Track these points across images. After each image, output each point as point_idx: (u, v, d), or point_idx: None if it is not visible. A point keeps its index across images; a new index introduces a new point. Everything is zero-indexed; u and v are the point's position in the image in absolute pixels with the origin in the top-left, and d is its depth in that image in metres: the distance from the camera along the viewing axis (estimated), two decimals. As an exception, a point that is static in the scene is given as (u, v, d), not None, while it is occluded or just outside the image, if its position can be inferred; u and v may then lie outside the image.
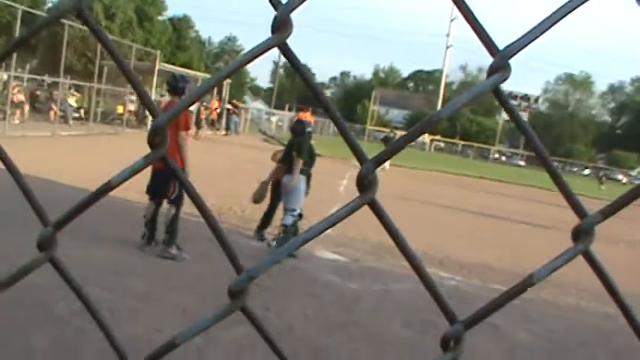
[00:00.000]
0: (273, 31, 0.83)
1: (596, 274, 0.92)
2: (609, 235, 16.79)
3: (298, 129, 12.77)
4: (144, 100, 0.91)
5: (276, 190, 12.82)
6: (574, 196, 0.88)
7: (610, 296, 0.93)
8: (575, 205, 0.88)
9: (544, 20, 0.83)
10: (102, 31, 0.90)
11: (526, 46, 0.84)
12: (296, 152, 12.20)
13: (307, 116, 35.31)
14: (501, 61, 0.84)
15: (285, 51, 0.85)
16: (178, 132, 10.44)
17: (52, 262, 0.91)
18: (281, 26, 0.83)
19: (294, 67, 0.87)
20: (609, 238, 17.67)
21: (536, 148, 0.90)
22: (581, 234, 0.88)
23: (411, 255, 0.91)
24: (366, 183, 0.85)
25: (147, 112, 35.57)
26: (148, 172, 10.54)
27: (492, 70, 0.84)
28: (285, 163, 12.35)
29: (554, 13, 0.83)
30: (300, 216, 12.38)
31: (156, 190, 10.75)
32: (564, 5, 0.82)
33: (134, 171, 0.85)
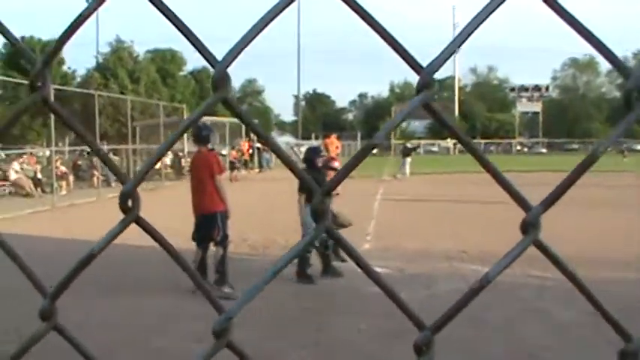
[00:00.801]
0: (214, 89, 0.84)
1: (551, 262, 0.92)
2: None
3: (306, 158, 12.57)
4: (111, 168, 0.93)
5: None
6: (517, 191, 0.89)
7: (568, 279, 0.93)
8: (518, 199, 0.89)
9: (460, 34, 0.84)
10: (64, 113, 0.92)
11: (447, 60, 0.85)
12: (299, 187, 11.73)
13: (333, 141, 35.29)
14: (427, 78, 0.85)
15: (228, 105, 0.86)
16: (214, 177, 10.60)
17: (56, 330, 0.93)
18: (220, 84, 0.84)
19: (238, 117, 0.88)
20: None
21: (472, 150, 0.91)
22: (528, 227, 0.89)
23: (369, 269, 0.93)
24: (319, 212, 0.86)
25: (182, 163, 35.90)
26: (191, 217, 10.66)
27: (420, 88, 0.86)
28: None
29: (467, 25, 0.84)
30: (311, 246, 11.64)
31: (201, 236, 10.83)
32: (475, 17, 0.84)
33: (113, 236, 0.88)
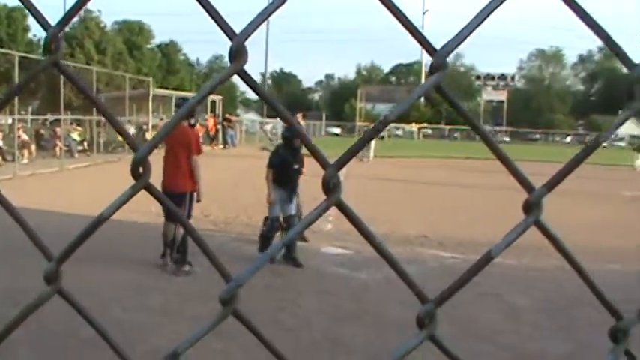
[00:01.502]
0: (230, 60, 0.86)
1: (550, 242, 0.95)
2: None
3: (286, 137, 12.08)
4: (123, 136, 0.94)
5: None
6: (521, 173, 0.92)
7: (566, 260, 0.96)
8: (522, 181, 0.92)
9: (473, 19, 0.86)
10: (78, 78, 0.93)
11: (460, 44, 0.87)
12: (268, 160, 11.81)
13: (303, 121, 35.09)
14: (439, 60, 0.87)
15: (244, 77, 0.87)
16: (191, 156, 10.43)
17: (60, 294, 0.94)
18: (237, 55, 0.85)
19: (254, 90, 0.90)
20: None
21: (482, 134, 0.93)
22: (532, 207, 0.91)
23: (381, 246, 0.95)
24: (331, 186, 0.88)
25: (146, 136, 35.65)
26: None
27: (433, 70, 0.88)
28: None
29: (481, 11, 0.86)
30: (276, 224, 11.84)
31: (166, 213, 10.71)
32: (489, 4, 0.86)
33: (123, 202, 0.89)
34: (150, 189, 0.88)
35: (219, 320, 0.91)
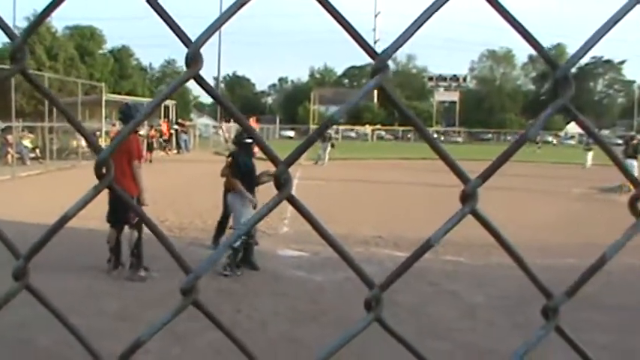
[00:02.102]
0: (187, 66, 0.90)
1: (487, 230, 1.02)
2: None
3: (240, 141, 11.85)
4: (85, 138, 0.98)
5: (226, 199, 12.40)
6: (457, 165, 0.98)
7: (502, 248, 1.03)
8: (458, 172, 0.98)
9: (413, 23, 0.92)
10: (42, 85, 0.97)
11: (400, 46, 0.93)
12: (230, 170, 11.60)
13: (256, 125, 35.03)
14: (380, 64, 0.93)
15: (200, 82, 0.92)
16: (132, 161, 10.41)
17: (28, 289, 0.98)
18: (193, 62, 0.90)
19: (210, 94, 0.94)
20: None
21: (421, 131, 1.00)
22: (467, 197, 0.98)
23: (330, 238, 1.00)
24: (282, 182, 0.93)
25: (99, 142, 35.35)
26: (106, 200, 10.50)
27: (374, 72, 0.93)
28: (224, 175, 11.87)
29: (420, 16, 0.92)
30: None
31: (116, 217, 10.69)
32: (428, 9, 0.92)
33: (86, 201, 0.93)
34: (113, 187, 0.93)
35: (180, 310, 0.96)
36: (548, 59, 0.98)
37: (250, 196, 11.33)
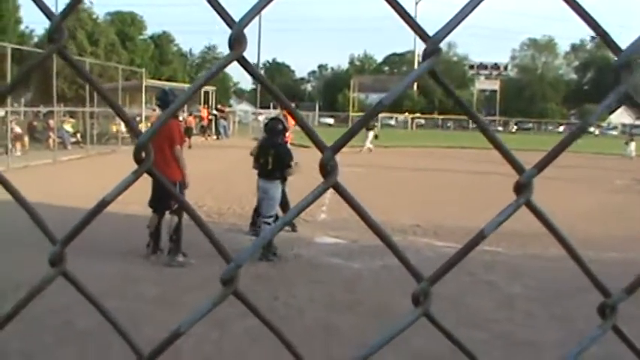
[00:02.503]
0: (230, 48, 0.87)
1: (541, 223, 0.98)
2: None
3: (274, 129, 11.81)
4: (125, 123, 0.96)
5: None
6: (512, 155, 0.94)
7: (557, 241, 0.99)
8: (513, 162, 0.94)
9: (465, 6, 0.88)
10: (81, 66, 0.95)
11: (452, 30, 0.89)
12: (272, 159, 11.47)
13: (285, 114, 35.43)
14: (433, 46, 0.89)
15: (244, 64, 0.89)
16: (174, 146, 10.45)
17: (64, 276, 0.96)
18: (236, 43, 0.87)
19: (253, 76, 0.92)
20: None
21: (475, 119, 0.96)
22: (522, 188, 0.94)
23: (377, 228, 0.97)
24: (328, 169, 0.90)
25: (142, 129, 35.63)
26: (149, 186, 10.55)
27: (426, 55, 0.90)
28: (258, 164, 11.73)
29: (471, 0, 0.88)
30: (277, 219, 11.46)
31: (158, 202, 10.74)
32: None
33: (125, 186, 0.91)
34: (152, 172, 0.91)
35: (221, 300, 0.94)
36: (612, 43, 0.93)
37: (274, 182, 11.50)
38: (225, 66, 0.90)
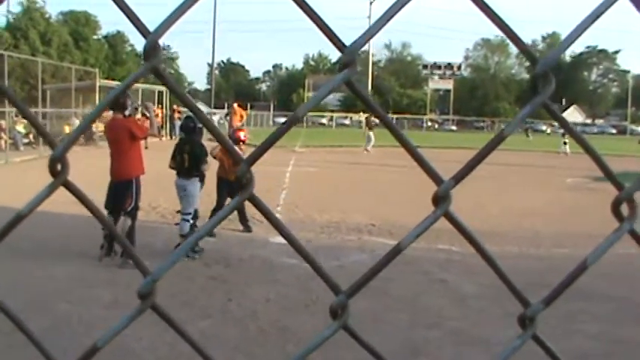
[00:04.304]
0: (145, 58, 0.86)
1: (461, 234, 0.98)
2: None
3: (187, 127, 12.11)
4: (38, 131, 0.94)
5: (220, 186, 13.09)
6: (429, 165, 0.94)
7: (474, 249, 0.99)
8: (431, 174, 0.94)
9: (382, 17, 0.88)
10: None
11: (368, 41, 0.89)
12: (187, 156, 11.65)
13: (235, 111, 35.41)
14: (349, 57, 0.88)
15: (158, 74, 0.87)
16: (136, 140, 10.67)
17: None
18: (151, 53, 0.85)
19: (168, 87, 0.90)
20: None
21: (384, 120, 0.95)
22: (440, 199, 0.94)
23: (290, 237, 0.96)
24: (244, 182, 0.89)
25: (95, 129, 35.17)
26: (101, 185, 10.46)
27: (342, 66, 0.89)
28: (175, 162, 11.96)
29: (389, 8, 0.88)
30: (196, 217, 11.94)
31: (113, 204, 10.66)
32: (397, 1, 0.87)
33: (41, 199, 0.89)
34: (68, 186, 0.89)
35: (137, 314, 0.92)
36: (528, 54, 0.94)
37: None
38: (139, 77, 0.89)
